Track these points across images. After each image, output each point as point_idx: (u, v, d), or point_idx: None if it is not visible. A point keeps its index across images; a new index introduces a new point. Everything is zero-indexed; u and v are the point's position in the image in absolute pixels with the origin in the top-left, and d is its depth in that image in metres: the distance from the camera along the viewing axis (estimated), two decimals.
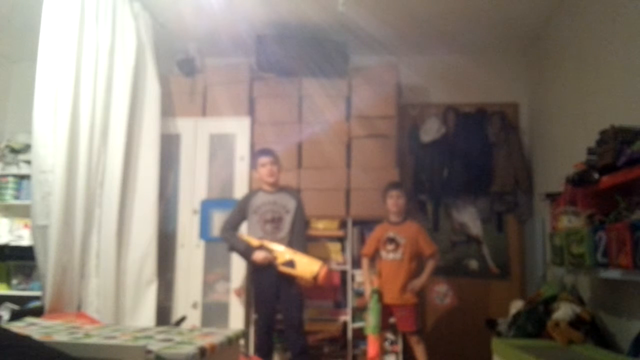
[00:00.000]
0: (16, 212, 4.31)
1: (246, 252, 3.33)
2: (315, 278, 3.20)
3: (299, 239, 3.41)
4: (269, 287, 3.34)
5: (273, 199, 3.43)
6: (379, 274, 3.41)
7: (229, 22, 3.88)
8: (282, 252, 3.27)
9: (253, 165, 3.88)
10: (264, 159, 3.44)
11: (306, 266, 3.22)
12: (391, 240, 3.45)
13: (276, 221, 3.38)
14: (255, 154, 3.62)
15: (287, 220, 3.40)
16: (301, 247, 3.36)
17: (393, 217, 3.52)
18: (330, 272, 3.37)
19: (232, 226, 3.46)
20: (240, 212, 3.47)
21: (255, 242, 3.31)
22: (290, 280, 3.28)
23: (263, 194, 3.46)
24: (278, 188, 3.48)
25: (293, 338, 3.32)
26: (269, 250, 3.27)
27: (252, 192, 3.56)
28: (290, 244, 3.35)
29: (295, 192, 3.61)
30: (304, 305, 3.53)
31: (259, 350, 3.36)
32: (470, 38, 4.15)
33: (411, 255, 3.43)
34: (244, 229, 3.55)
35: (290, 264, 3.23)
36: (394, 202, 3.49)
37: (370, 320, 3.30)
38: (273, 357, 3.49)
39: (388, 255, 3.44)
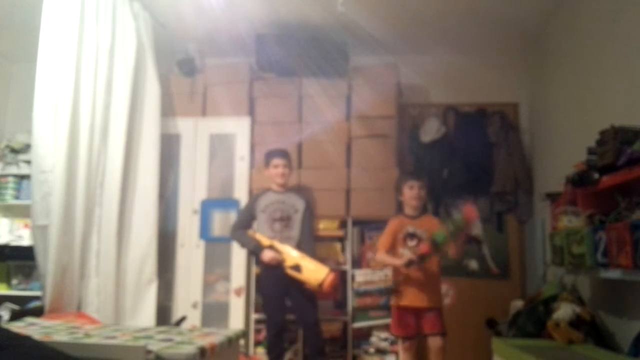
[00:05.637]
0: (16, 212, 4.31)
1: (255, 250, 3.34)
2: (320, 285, 3.16)
3: (308, 239, 3.43)
4: (278, 287, 3.31)
5: (282, 198, 3.45)
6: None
7: (229, 22, 3.87)
8: (290, 255, 3.24)
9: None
10: (277, 161, 3.45)
11: (312, 272, 3.19)
12: (412, 235, 3.13)
13: (285, 220, 3.40)
14: (269, 153, 3.55)
15: (296, 219, 3.41)
16: (309, 248, 3.36)
17: (410, 211, 3.21)
18: (336, 278, 3.25)
19: (241, 226, 3.47)
20: (249, 211, 3.50)
21: (266, 241, 3.30)
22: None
23: (272, 194, 3.48)
24: (287, 188, 3.51)
25: (310, 337, 3.31)
26: (278, 252, 3.26)
27: (260, 192, 3.56)
28: (300, 244, 3.35)
29: (305, 193, 3.62)
30: (317, 303, 3.39)
31: (270, 352, 3.31)
32: (470, 38, 4.14)
33: None
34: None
35: (297, 268, 3.20)
36: (416, 193, 3.17)
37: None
38: (284, 358, 3.44)
39: (410, 252, 3.06)
